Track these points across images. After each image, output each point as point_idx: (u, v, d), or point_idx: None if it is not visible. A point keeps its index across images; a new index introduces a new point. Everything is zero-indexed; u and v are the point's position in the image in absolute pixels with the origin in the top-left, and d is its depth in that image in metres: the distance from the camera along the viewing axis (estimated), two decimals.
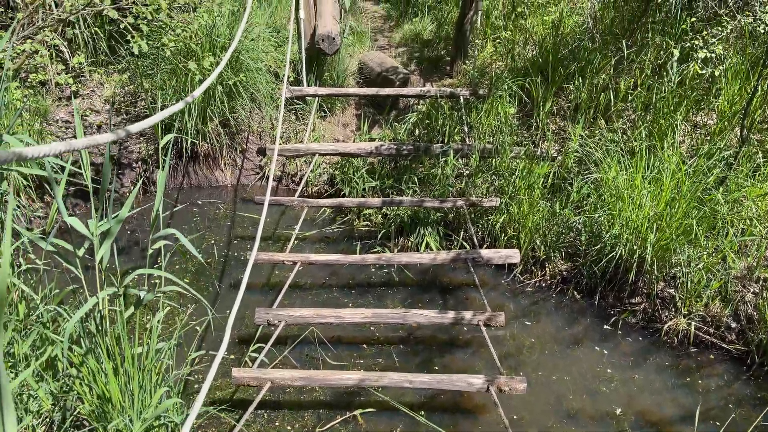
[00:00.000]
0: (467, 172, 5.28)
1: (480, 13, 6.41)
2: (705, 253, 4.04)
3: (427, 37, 7.47)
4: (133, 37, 4.55)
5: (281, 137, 5.96)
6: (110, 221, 2.44)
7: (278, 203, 4.93)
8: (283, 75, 5.98)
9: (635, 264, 4.12)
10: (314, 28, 6.02)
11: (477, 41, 6.69)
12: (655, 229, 4.04)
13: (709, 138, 4.75)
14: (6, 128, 3.85)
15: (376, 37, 7.80)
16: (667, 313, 4.12)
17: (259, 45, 5.74)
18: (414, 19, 7.81)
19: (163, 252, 3.16)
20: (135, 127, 1.65)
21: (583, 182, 4.63)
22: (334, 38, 5.71)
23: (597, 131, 5.09)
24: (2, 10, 5.26)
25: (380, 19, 8.40)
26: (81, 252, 2.50)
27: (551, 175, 4.84)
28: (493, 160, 5.11)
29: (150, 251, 2.77)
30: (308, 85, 6.11)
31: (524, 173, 4.77)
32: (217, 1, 5.09)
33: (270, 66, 6.17)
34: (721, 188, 4.17)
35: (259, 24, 5.67)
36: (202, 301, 2.92)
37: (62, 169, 3.46)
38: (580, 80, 5.37)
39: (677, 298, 4.09)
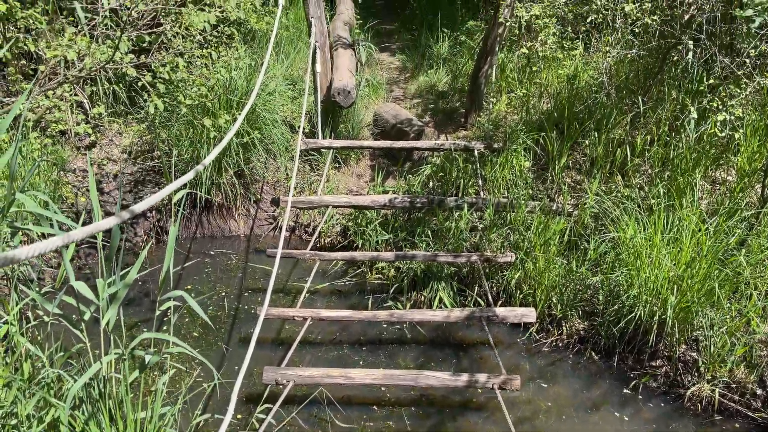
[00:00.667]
0: (481, 225, 5.22)
1: (495, 66, 6.45)
2: (728, 316, 3.91)
3: (442, 88, 7.52)
4: (149, 94, 4.61)
5: (295, 188, 5.97)
6: (118, 284, 2.40)
7: (291, 256, 4.89)
8: (299, 126, 6.03)
9: (655, 326, 3.99)
10: (330, 81, 6.08)
11: (491, 94, 6.72)
12: (675, 291, 3.93)
13: (728, 195, 4.67)
14: (22, 181, 3.87)
15: (392, 88, 7.88)
16: (689, 378, 3.97)
17: (275, 98, 5.80)
18: (429, 71, 7.89)
19: (171, 310, 3.11)
20: (140, 206, 1.62)
21: (600, 241, 4.54)
22: (349, 92, 5.76)
23: (613, 187, 5.03)
24: (25, 62, 5.39)
25: (396, 70, 8.51)
26: (87, 316, 2.45)
27: (567, 231, 4.76)
28: (508, 215, 5.05)
29: (158, 312, 2.72)
30: (323, 137, 6.15)
31: (540, 229, 4.70)
32: (234, 55, 5.17)
33: (285, 117, 6.23)
34: (743, 249, 4.06)
35: (276, 77, 5.74)
36: (209, 366, 2.85)
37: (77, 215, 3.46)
38: (596, 135, 5.35)
39: (700, 363, 3.94)
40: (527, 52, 5.17)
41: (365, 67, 7.58)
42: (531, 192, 5.34)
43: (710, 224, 4.15)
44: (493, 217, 5.06)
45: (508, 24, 5.76)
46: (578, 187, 5.41)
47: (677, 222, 4.22)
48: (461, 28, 8.27)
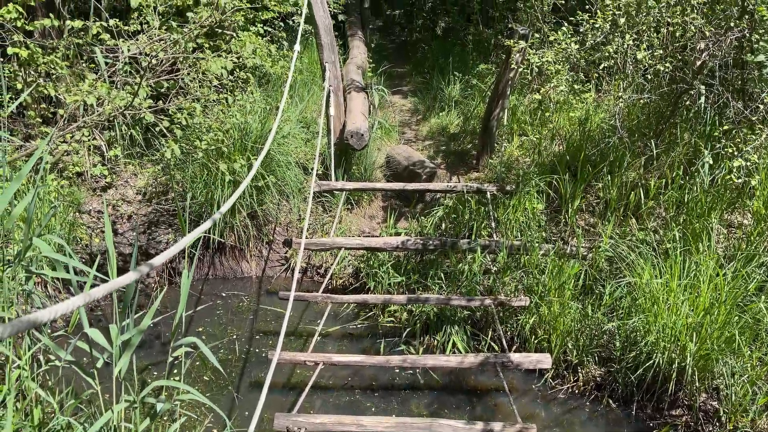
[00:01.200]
0: (495, 268, 5.18)
1: (506, 110, 6.51)
2: (749, 364, 3.82)
3: (454, 130, 7.58)
4: (166, 138, 4.68)
5: (308, 229, 5.97)
6: (132, 330, 2.39)
7: (303, 299, 4.86)
8: (312, 168, 6.08)
9: (675, 373, 3.90)
10: (344, 124, 6.15)
11: (503, 136, 6.76)
12: (694, 338, 3.85)
13: (745, 239, 4.62)
14: (38, 225, 3.91)
15: (404, 130, 7.95)
16: (711, 428, 3.86)
17: (289, 140, 5.87)
18: (441, 113, 7.97)
19: (183, 356, 3.09)
20: (158, 260, 1.63)
21: (616, 286, 4.49)
22: (363, 134, 5.81)
23: (628, 230, 4.99)
24: (44, 105, 5.50)
25: (408, 112, 8.60)
26: (100, 363, 2.44)
27: (582, 274, 4.72)
28: (522, 257, 5.02)
29: (170, 359, 2.70)
30: (336, 179, 6.18)
31: (554, 272, 4.66)
32: (249, 99, 5.26)
33: (299, 159, 6.28)
34: (762, 295, 3.99)
35: (290, 120, 5.81)
36: (220, 413, 2.80)
37: (93, 257, 3.46)
38: (609, 177, 5.34)
39: (721, 412, 3.84)
40: (539, 97, 5.21)
41: (377, 110, 7.67)
42: (544, 234, 5.31)
43: (728, 269, 4.09)
44: (506, 260, 5.02)
45: (519, 69, 5.82)
46: (592, 229, 5.38)
47: (694, 267, 4.17)
48: (472, 72, 8.38)
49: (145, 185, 5.95)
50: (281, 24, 7.70)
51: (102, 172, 5.38)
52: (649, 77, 5.65)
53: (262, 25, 6.52)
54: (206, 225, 2.06)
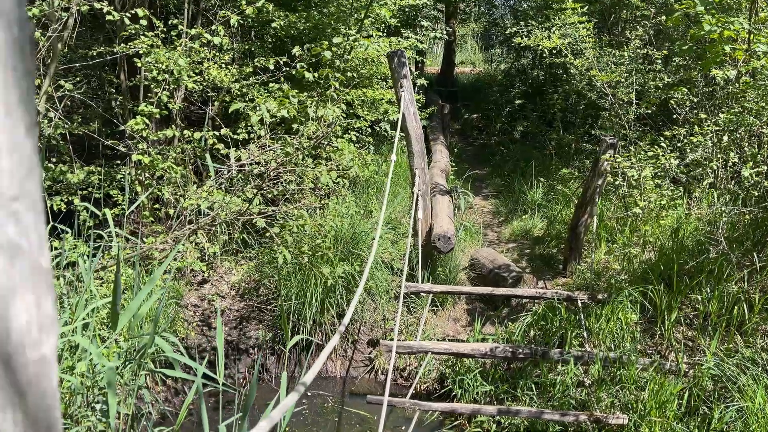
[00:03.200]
0: (588, 381, 4.99)
1: (595, 217, 6.48)
2: None
3: (537, 234, 7.58)
4: (263, 236, 4.91)
5: (392, 330, 6.00)
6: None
7: (390, 404, 4.81)
8: (398, 269, 6.18)
9: None
10: (430, 227, 6.29)
11: (591, 241, 6.69)
12: None
13: None
14: (151, 321, 4.13)
15: (485, 232, 8.02)
16: None
17: (378, 242, 6.04)
18: (523, 216, 8.01)
19: None
20: (309, 377, 1.71)
21: (726, 410, 4.22)
22: (449, 238, 5.92)
23: (732, 346, 4.74)
24: (157, 206, 5.95)
25: (489, 214, 8.70)
26: None
27: (686, 393, 4.47)
28: (617, 371, 4.82)
29: None
30: (422, 281, 6.25)
31: (654, 390, 4.44)
32: (344, 204, 5.50)
33: (385, 260, 6.42)
34: None
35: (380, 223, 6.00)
36: None
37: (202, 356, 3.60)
38: (708, 290, 5.15)
39: None
40: (639, 211, 5.16)
41: (462, 213, 7.81)
42: (639, 347, 5.11)
43: None
44: (601, 373, 4.84)
45: (608, 177, 5.85)
46: (691, 343, 5.13)
47: None
48: (554, 176, 8.46)
49: (238, 281, 6.20)
50: (368, 129, 8.13)
51: (201, 268, 5.67)
52: (746, 184, 5.54)
53: (354, 132, 6.92)
54: (332, 343, 2.14)
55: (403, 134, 5.93)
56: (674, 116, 6.25)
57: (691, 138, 4.34)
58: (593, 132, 8.65)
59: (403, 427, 4.79)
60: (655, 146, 4.82)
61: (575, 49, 7.06)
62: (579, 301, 5.59)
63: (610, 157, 5.88)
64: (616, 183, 5.95)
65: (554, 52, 7.10)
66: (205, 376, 3.04)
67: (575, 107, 9.44)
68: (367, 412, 5.19)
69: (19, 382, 0.57)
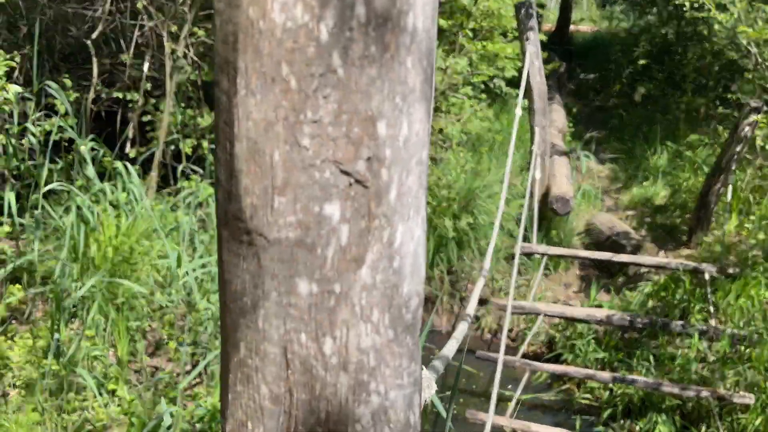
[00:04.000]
0: (712, 357, 4.72)
1: (729, 186, 6.02)
2: None
3: (659, 202, 7.17)
4: None
5: (501, 290, 5.95)
6: None
7: (503, 363, 4.79)
8: (507, 229, 6.07)
9: None
10: (547, 188, 6.10)
11: (720, 213, 6.24)
12: None
13: None
14: None
15: (602, 198, 7.68)
16: None
17: (493, 200, 5.95)
18: (644, 183, 7.59)
19: None
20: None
21: None
22: (568, 200, 5.72)
23: None
24: None
25: (605, 179, 8.31)
26: None
27: None
28: (747, 350, 4.53)
29: None
30: (537, 243, 6.11)
31: None
32: (461, 161, 5.44)
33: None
34: None
35: (496, 181, 5.91)
36: None
37: None
38: None
39: None
40: None
41: (579, 176, 7.53)
42: None
43: None
44: (727, 351, 4.56)
45: (748, 143, 5.39)
46: None
47: None
48: (680, 142, 7.92)
49: None
50: (481, 86, 7.93)
51: None
52: None
53: (470, 86, 6.77)
54: (479, 284, 2.13)
55: (509, 88, 5.72)
56: None
57: None
58: (728, 96, 7.96)
59: (509, 386, 4.77)
60: None
61: (719, 3, 6.46)
62: (707, 274, 5.26)
63: (751, 122, 5.41)
64: (761, 148, 5.47)
65: (695, 6, 6.53)
66: None
67: (710, 68, 8.71)
68: (472, 368, 5.20)
69: None
